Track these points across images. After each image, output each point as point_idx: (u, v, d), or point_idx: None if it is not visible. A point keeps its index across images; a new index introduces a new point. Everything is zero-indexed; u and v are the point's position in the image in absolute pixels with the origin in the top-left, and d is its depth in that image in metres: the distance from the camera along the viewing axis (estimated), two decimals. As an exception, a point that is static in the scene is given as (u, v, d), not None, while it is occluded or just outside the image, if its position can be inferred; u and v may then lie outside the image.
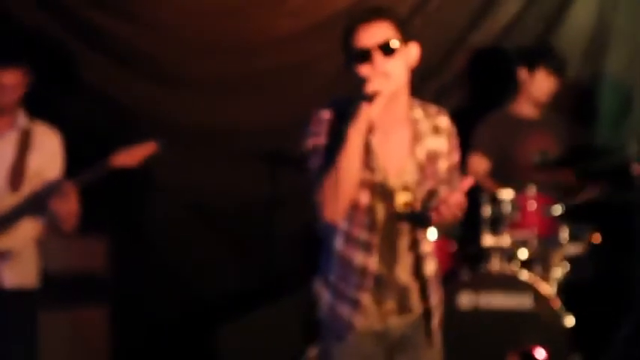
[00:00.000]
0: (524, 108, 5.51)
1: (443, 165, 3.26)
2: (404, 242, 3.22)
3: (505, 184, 5.28)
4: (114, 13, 5.60)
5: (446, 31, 5.85)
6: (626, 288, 5.37)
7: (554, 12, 5.87)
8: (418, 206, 3.19)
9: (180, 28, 5.69)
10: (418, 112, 3.25)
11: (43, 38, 5.50)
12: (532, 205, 5.13)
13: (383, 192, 3.19)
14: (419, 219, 3.19)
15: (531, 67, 5.42)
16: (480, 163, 5.40)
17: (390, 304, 3.23)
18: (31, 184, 4.16)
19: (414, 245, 3.23)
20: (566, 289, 5.23)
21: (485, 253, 5.17)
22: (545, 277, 5.18)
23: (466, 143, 5.21)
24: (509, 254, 5.18)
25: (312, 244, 5.81)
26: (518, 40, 5.85)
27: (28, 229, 4.21)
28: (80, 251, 5.18)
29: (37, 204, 4.10)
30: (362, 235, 3.20)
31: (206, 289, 5.80)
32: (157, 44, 5.67)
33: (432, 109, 3.29)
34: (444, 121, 3.28)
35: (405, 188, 3.20)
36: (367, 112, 3.07)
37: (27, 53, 4.13)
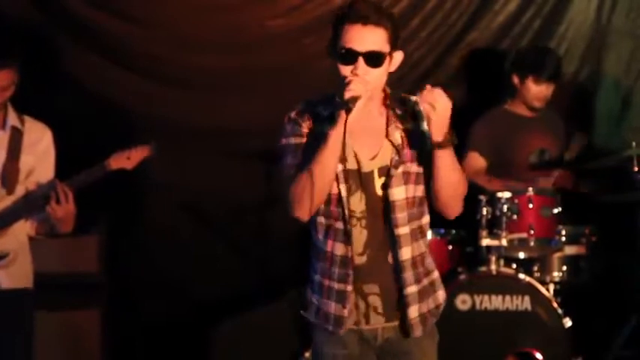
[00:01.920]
0: (522, 107, 5.49)
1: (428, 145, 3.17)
2: (385, 228, 3.18)
3: (505, 178, 5.27)
4: (107, 10, 5.58)
5: (443, 30, 5.83)
6: (624, 289, 5.35)
7: (552, 11, 5.86)
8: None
9: (174, 27, 5.68)
10: (394, 102, 3.22)
11: (35, 36, 5.47)
12: (530, 206, 5.09)
13: (360, 179, 3.17)
14: (411, 115, 3.18)
15: (521, 75, 5.40)
16: (477, 162, 5.37)
17: (375, 299, 3.21)
18: (24, 185, 4.11)
19: (391, 228, 3.17)
20: (564, 290, 5.22)
21: (482, 254, 5.14)
22: (543, 278, 5.17)
23: (463, 142, 5.18)
24: (507, 255, 5.15)
25: (307, 245, 5.82)
26: (516, 40, 5.83)
27: (23, 231, 4.17)
28: (73, 252, 5.15)
29: (32, 205, 4.06)
30: (338, 225, 3.18)
31: (200, 289, 5.78)
32: (150, 42, 5.65)
33: (412, 97, 3.22)
34: (411, 102, 3.22)
35: (382, 172, 3.17)
36: (345, 117, 3.03)
37: (18, 52, 4.08)
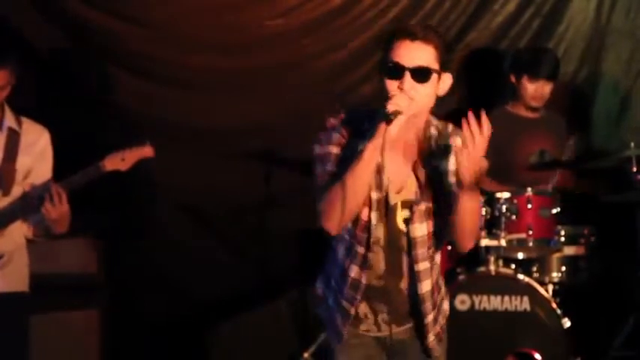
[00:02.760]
0: (522, 108, 5.48)
1: (450, 180, 3.21)
2: (403, 259, 3.23)
3: (504, 183, 5.26)
4: (106, 11, 5.58)
5: (442, 30, 5.82)
6: (623, 289, 5.35)
7: (552, 11, 5.85)
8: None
9: (174, 27, 5.68)
10: (433, 131, 3.22)
11: (32, 37, 5.47)
12: (529, 206, 5.09)
13: (385, 209, 3.19)
14: (441, 151, 3.18)
15: (517, 74, 5.40)
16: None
17: (385, 316, 3.26)
18: (21, 186, 4.10)
19: (411, 263, 3.23)
20: (563, 290, 5.21)
21: (481, 255, 5.14)
22: (542, 278, 5.16)
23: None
24: (506, 255, 5.15)
25: (307, 245, 5.82)
26: (515, 40, 5.83)
27: (19, 233, 4.16)
28: (72, 253, 5.14)
29: (28, 206, 4.04)
30: (360, 249, 3.21)
31: (200, 289, 5.78)
32: (149, 42, 5.65)
33: (448, 127, 3.25)
34: (457, 141, 3.22)
35: (405, 205, 3.20)
36: (385, 131, 3.02)
37: (14, 53, 4.08)
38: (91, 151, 4.14)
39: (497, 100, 5.59)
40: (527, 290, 4.99)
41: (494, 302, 5.01)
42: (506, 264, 5.16)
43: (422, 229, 3.21)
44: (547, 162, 5.41)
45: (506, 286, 5.03)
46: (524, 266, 5.18)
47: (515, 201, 5.09)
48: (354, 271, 3.23)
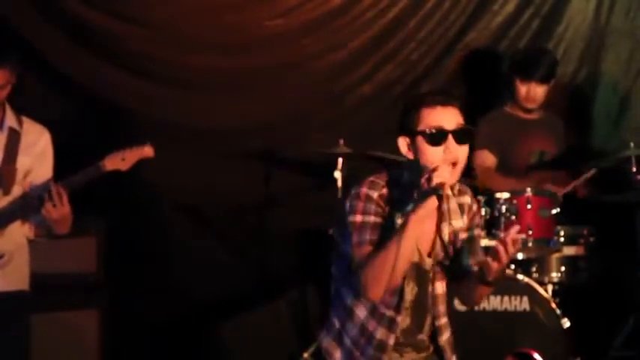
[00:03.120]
0: (520, 109, 5.48)
1: (461, 237, 3.31)
2: (429, 318, 3.31)
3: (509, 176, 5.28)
4: (106, 11, 5.58)
5: (441, 30, 5.82)
6: (623, 289, 5.34)
7: (551, 11, 5.85)
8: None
9: (174, 27, 5.68)
10: (448, 191, 3.25)
11: (31, 37, 5.47)
12: (528, 206, 5.08)
13: (418, 272, 3.24)
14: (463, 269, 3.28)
15: (511, 76, 5.41)
16: (487, 158, 5.38)
17: (407, 351, 3.33)
18: (21, 186, 4.10)
19: (435, 319, 3.32)
20: (562, 290, 5.21)
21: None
22: (542, 278, 5.16)
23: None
24: (505, 256, 5.14)
25: (306, 245, 5.82)
26: (515, 40, 5.83)
27: (20, 232, 4.16)
28: (73, 252, 5.14)
29: (28, 206, 4.04)
30: (388, 312, 3.24)
31: (200, 289, 5.77)
32: (149, 43, 5.65)
33: (457, 186, 3.31)
34: (467, 199, 3.33)
35: (433, 267, 3.27)
36: (431, 205, 3.05)
37: (14, 52, 4.08)
38: (91, 152, 4.15)
39: (496, 101, 5.59)
40: (527, 290, 4.98)
41: (493, 302, 5.01)
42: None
43: (442, 287, 3.31)
44: (546, 163, 5.41)
45: (506, 286, 5.01)
46: (523, 266, 5.18)
47: (514, 201, 5.08)
48: (380, 333, 3.24)
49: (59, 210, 3.95)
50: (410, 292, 3.24)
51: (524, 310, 4.99)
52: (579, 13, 5.85)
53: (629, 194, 5.15)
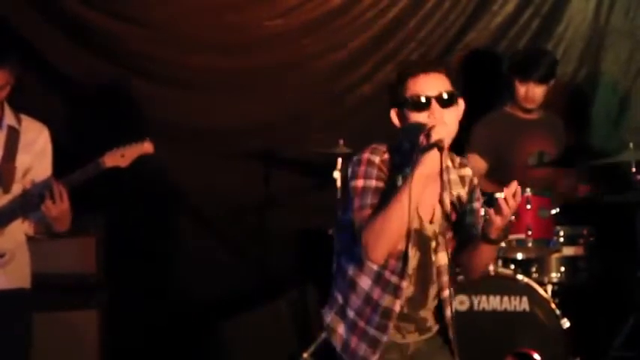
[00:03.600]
0: (520, 109, 5.48)
1: (473, 220, 3.34)
2: (433, 289, 3.30)
3: (502, 184, 5.25)
4: (105, 11, 5.58)
5: (441, 30, 5.82)
6: (622, 290, 5.34)
7: (551, 11, 5.85)
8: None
9: (174, 27, 5.69)
10: (448, 162, 3.31)
11: (31, 37, 5.47)
12: (528, 207, 5.08)
13: (420, 239, 3.24)
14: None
15: (510, 77, 5.41)
16: (477, 163, 5.36)
17: (410, 331, 3.33)
18: (21, 184, 4.10)
19: (440, 291, 3.31)
20: (562, 291, 5.21)
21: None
22: (542, 278, 5.16)
23: (461, 144, 5.18)
24: (505, 256, 5.14)
25: (306, 245, 5.82)
26: (514, 41, 5.83)
27: (20, 231, 4.16)
28: (72, 253, 5.14)
29: (28, 204, 4.04)
30: (393, 279, 3.24)
31: (200, 289, 5.78)
32: (149, 43, 5.66)
33: (457, 159, 3.37)
34: (468, 172, 3.37)
35: (435, 235, 3.28)
36: (432, 160, 3.08)
37: (14, 52, 4.08)
38: (90, 151, 4.15)
39: (496, 101, 5.59)
40: (527, 290, 4.98)
41: (493, 303, 5.01)
42: (506, 264, 5.16)
43: (445, 257, 3.30)
44: (545, 163, 5.41)
45: (506, 286, 5.02)
46: (523, 267, 5.18)
47: (514, 201, 5.08)
48: (385, 301, 3.24)
49: (59, 207, 3.95)
50: (413, 257, 3.24)
51: (524, 310, 4.98)
52: (579, 13, 5.85)
53: (629, 194, 5.15)
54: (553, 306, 4.97)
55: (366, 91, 5.85)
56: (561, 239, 5.17)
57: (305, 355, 5.27)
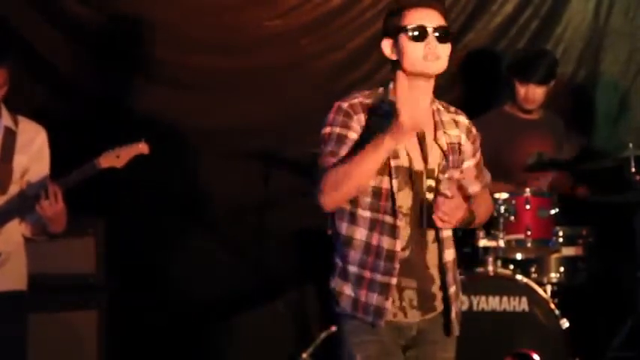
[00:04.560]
0: (519, 109, 5.48)
1: (469, 164, 3.35)
2: (430, 235, 3.27)
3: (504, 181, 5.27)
4: (105, 11, 5.58)
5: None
6: (622, 290, 5.34)
7: (550, 12, 5.86)
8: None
9: (174, 27, 5.69)
10: (438, 105, 3.31)
11: (31, 37, 5.48)
12: (527, 207, 5.09)
13: (410, 177, 3.22)
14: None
15: (509, 77, 5.41)
16: None
17: (410, 293, 3.25)
18: (18, 185, 4.10)
19: (437, 231, 3.27)
20: (561, 291, 5.21)
21: (480, 255, 5.14)
22: (541, 279, 5.16)
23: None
24: (505, 256, 5.15)
25: (306, 245, 5.82)
26: (514, 41, 5.84)
27: (17, 232, 4.16)
28: (71, 253, 5.13)
29: (25, 205, 4.04)
30: (388, 219, 3.21)
31: (199, 289, 5.77)
32: (149, 43, 5.65)
33: (451, 107, 3.37)
34: (463, 118, 3.36)
35: (429, 174, 3.24)
36: (405, 126, 3.04)
37: (12, 52, 4.08)
38: (90, 151, 4.14)
39: (495, 101, 5.59)
40: (526, 291, 4.99)
41: (492, 303, 5.01)
42: (505, 264, 5.16)
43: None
44: (545, 163, 5.41)
45: (505, 286, 5.02)
46: (522, 267, 5.18)
47: (513, 202, 5.09)
48: (386, 243, 3.21)
49: (53, 207, 3.94)
50: (405, 197, 3.21)
51: (523, 310, 4.99)
52: (578, 14, 5.85)
53: (628, 194, 5.15)
54: (552, 306, 4.98)
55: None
56: (560, 239, 5.18)
57: (304, 355, 5.28)
